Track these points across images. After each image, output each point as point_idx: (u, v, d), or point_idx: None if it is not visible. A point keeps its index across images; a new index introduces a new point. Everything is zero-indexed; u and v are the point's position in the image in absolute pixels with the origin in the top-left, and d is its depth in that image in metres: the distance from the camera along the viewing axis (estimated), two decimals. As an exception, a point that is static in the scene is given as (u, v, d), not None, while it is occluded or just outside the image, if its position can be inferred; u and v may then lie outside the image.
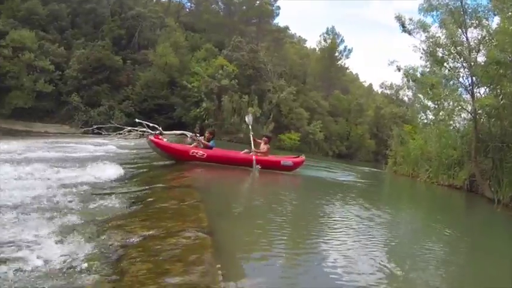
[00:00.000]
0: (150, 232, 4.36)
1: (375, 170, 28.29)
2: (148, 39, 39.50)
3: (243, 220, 5.74)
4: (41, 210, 6.00)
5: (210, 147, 10.08)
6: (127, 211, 5.84)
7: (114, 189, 7.81)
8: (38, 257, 4.05)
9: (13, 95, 33.95)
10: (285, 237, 4.96)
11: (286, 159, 11.13)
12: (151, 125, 32.08)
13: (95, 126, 32.65)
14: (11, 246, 4.48)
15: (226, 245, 4.29)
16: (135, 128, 32.36)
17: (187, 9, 51.78)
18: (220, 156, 10.06)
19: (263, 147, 10.88)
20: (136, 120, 31.79)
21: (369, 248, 4.87)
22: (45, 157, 13.77)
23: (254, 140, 10.92)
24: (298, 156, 11.62)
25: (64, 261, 3.97)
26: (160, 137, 11.05)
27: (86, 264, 3.78)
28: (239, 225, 5.37)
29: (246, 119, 12.86)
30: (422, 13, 15.94)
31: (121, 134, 31.20)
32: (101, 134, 31.66)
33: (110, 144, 20.72)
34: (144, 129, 32.31)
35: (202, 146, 10.08)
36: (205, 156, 9.73)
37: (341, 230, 5.69)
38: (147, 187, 7.48)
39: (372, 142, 47.83)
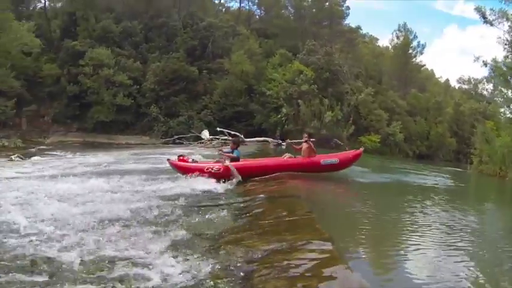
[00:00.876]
0: (272, 246, 4.36)
1: (459, 170, 28.06)
2: (222, 48, 41.54)
3: (357, 229, 5.83)
4: (144, 224, 6.27)
5: (236, 158, 10.11)
6: (237, 224, 5.94)
7: (214, 200, 8.06)
8: (157, 274, 4.02)
9: (94, 109, 37.22)
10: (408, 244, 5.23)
11: (329, 158, 10.60)
12: (232, 133, 33.22)
13: (176, 136, 34.81)
14: (125, 262, 4.54)
15: (355, 257, 4.37)
16: (217, 137, 33.69)
17: (258, 16, 54.52)
18: (240, 168, 9.83)
19: (306, 144, 10.46)
20: (218, 129, 33.56)
21: (458, 256, 4.99)
22: (133, 169, 15.00)
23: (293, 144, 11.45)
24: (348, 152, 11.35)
25: (187, 279, 3.90)
26: (186, 158, 11.12)
27: (211, 282, 3.72)
28: (356, 235, 5.49)
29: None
30: (503, 2, 15.42)
31: (202, 143, 32.63)
32: (182, 143, 33.46)
33: (194, 154, 21.17)
34: (226, 137, 33.44)
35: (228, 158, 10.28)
36: (221, 170, 9.72)
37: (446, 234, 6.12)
38: (248, 198, 7.69)
39: (452, 141, 48.35)
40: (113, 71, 36.78)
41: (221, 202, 7.84)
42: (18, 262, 4.79)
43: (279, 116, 38.21)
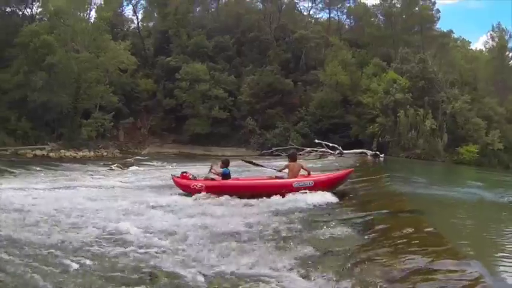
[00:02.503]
0: (408, 265, 4.80)
1: None
2: (315, 60, 47.61)
3: (492, 247, 6.20)
4: (264, 239, 7.18)
5: (226, 175, 11.96)
6: (364, 241, 6.60)
7: (331, 215, 8.96)
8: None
9: (190, 122, 44.20)
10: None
11: (305, 179, 11.44)
12: (331, 145, 37.69)
13: (274, 149, 40.49)
14: (252, 280, 5.13)
15: (501, 279, 4.58)
16: (315, 149, 38.60)
17: (347, 26, 60.24)
18: (219, 186, 11.74)
19: (290, 165, 11.89)
20: (316, 140, 38.51)
21: None
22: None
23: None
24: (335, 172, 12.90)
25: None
26: (187, 174, 12.89)
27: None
28: (493, 253, 5.77)
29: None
30: None
31: (300, 154, 38.09)
32: (280, 155, 38.21)
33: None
34: (324, 149, 37.39)
35: (216, 175, 12.22)
36: (203, 187, 11.69)
37: None
38: (367, 213, 8.56)
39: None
40: (209, 85, 43.72)
41: (338, 217, 8.68)
42: (136, 275, 5.54)
43: (375, 127, 41.99)
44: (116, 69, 44.25)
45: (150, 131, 47.00)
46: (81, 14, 46.38)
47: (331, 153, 36.79)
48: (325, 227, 7.62)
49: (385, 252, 5.58)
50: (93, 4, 46.79)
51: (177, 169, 26.35)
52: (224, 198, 11.26)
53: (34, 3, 51.12)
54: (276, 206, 10.05)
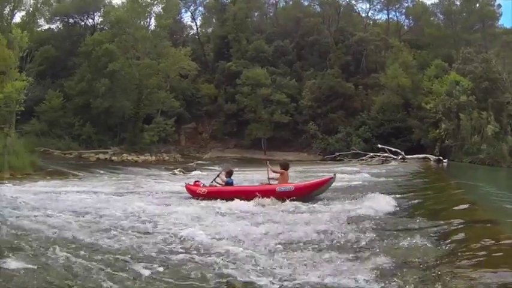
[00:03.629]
0: (495, 280, 4.98)
1: None
2: (375, 63, 51.29)
3: None
4: (339, 248, 7.74)
5: (229, 183, 14.88)
6: (442, 251, 6.96)
7: (403, 224, 9.62)
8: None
9: (252, 127, 48.24)
10: None
11: (287, 185, 13.63)
12: (393, 149, 40.05)
13: (337, 154, 44.10)
14: None
15: None
16: (377, 154, 41.60)
17: (406, 27, 63.82)
18: (218, 192, 14.43)
19: (280, 172, 14.31)
20: (379, 145, 42.00)
21: None
22: None
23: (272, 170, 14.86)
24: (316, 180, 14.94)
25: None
26: (199, 182, 15.61)
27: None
28: None
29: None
30: None
31: (363, 160, 40.95)
32: (342, 160, 42.11)
33: (362, 172, 26.03)
34: (386, 154, 40.34)
35: (222, 182, 15.15)
36: (206, 192, 14.40)
37: None
38: (440, 222, 9.11)
39: None
40: (270, 90, 47.75)
41: (410, 226, 9.25)
42: (212, 283, 6.03)
43: (438, 131, 43.63)
44: (177, 74, 48.98)
45: (212, 136, 51.73)
46: (141, 22, 51.11)
47: (394, 159, 39.23)
48: (398, 237, 8.16)
49: (467, 265, 5.81)
50: (152, 12, 51.28)
51: (239, 175, 28.07)
52: (290, 204, 12.48)
53: (95, 13, 58.23)
54: (344, 214, 10.88)
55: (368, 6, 62.20)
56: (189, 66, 48.46)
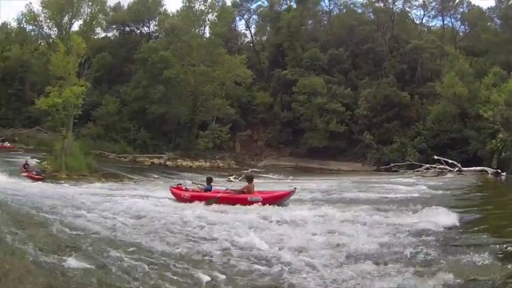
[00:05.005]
0: None
1: None
2: (431, 71, 52.99)
3: None
4: (400, 263, 8.10)
5: (207, 190, 18.04)
6: (508, 271, 7.05)
7: (466, 239, 9.91)
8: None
9: (308, 135, 50.60)
10: None
11: (257, 195, 16.84)
12: (449, 161, 41.22)
13: (393, 164, 45.14)
14: None
15: None
16: (433, 166, 42.57)
17: (462, 33, 64.43)
18: (199, 196, 17.48)
19: (246, 186, 17.52)
20: (435, 157, 42.05)
21: None
22: (361, 198, 18.91)
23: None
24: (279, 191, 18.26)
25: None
26: (181, 186, 19.46)
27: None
28: None
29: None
30: None
31: (418, 171, 41.60)
32: (397, 171, 43.03)
33: (419, 184, 26.53)
34: (442, 166, 41.35)
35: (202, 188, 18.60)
36: (189, 196, 17.54)
37: None
38: (505, 239, 9.27)
39: None
40: (326, 99, 50.07)
41: (473, 241, 9.55)
42: None
43: (496, 142, 43.22)
44: (232, 82, 52.04)
45: (267, 144, 54.66)
46: (196, 30, 54.58)
47: (450, 171, 39.81)
48: (462, 253, 8.36)
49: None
50: (207, 20, 54.49)
51: (294, 183, 28.80)
52: (350, 214, 13.56)
53: (151, 21, 62.59)
54: (404, 226, 11.38)
55: (422, 12, 63.18)
56: (245, 73, 51.42)
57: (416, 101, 51.14)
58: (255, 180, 29.81)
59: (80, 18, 59.96)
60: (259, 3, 68.50)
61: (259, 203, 16.12)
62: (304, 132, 51.08)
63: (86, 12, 59.66)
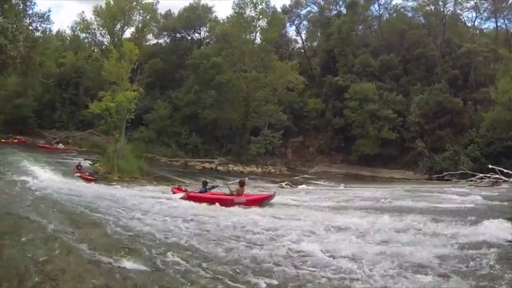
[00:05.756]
0: None
1: None
2: (484, 76, 53.25)
3: None
4: (459, 275, 8.27)
5: (202, 191, 20.92)
6: None
7: None
8: None
9: (359, 142, 51.74)
10: None
11: (242, 198, 19.50)
12: (505, 171, 40.88)
13: (445, 173, 44.94)
14: None
15: None
16: (487, 175, 41.32)
17: None
18: (194, 197, 20.29)
19: (237, 188, 20.38)
20: (490, 166, 41.37)
21: None
22: (414, 207, 19.00)
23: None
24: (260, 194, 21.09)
25: None
26: (183, 188, 22.34)
27: None
28: None
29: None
30: None
31: (472, 180, 40.98)
32: (450, 180, 42.64)
33: (473, 194, 25.80)
34: (497, 175, 41.45)
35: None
36: (186, 196, 20.42)
37: None
38: None
39: None
40: (378, 105, 51.14)
41: None
42: None
43: None
44: (284, 88, 53.85)
45: (318, 150, 56.21)
46: (247, 36, 56.46)
47: (505, 181, 38.35)
48: None
49: None
50: (258, 27, 56.23)
51: (346, 190, 30.70)
52: (404, 223, 13.88)
53: (201, 28, 65.62)
54: (462, 238, 11.36)
55: (474, 14, 63.12)
56: (296, 79, 53.22)
57: (470, 107, 51.26)
58: (305, 186, 33.71)
59: (132, 26, 63.78)
60: (309, 9, 70.33)
61: (243, 205, 18.75)
62: (356, 139, 52.07)
63: (138, 19, 63.19)
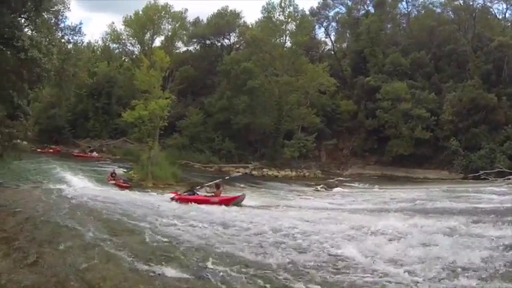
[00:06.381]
0: None
1: None
2: None
3: None
4: (505, 279, 8.35)
5: (192, 194, 24.27)
6: None
7: None
8: None
9: (392, 143, 52.55)
10: None
11: (217, 198, 23.14)
12: None
13: (481, 172, 45.56)
14: None
15: None
16: None
17: None
18: (183, 198, 23.50)
19: (214, 191, 24.15)
20: None
21: None
22: (452, 208, 19.30)
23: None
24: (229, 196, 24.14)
25: None
26: (179, 193, 25.00)
27: None
28: None
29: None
30: None
31: (509, 179, 41.53)
32: (487, 179, 43.38)
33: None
34: None
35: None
36: (177, 198, 23.55)
37: None
38: None
39: None
40: (410, 104, 51.83)
41: None
42: None
43: None
44: (316, 91, 55.26)
45: (352, 152, 57.43)
46: (277, 40, 57.98)
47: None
48: None
49: None
50: (287, 30, 57.72)
51: (381, 192, 31.73)
52: (445, 225, 14.10)
53: (231, 34, 67.78)
54: (506, 239, 11.45)
55: (504, 6, 63.01)
56: (328, 82, 54.35)
57: (504, 102, 51.23)
58: (340, 189, 35.53)
59: (162, 34, 65.98)
60: (336, 10, 71.54)
61: (217, 204, 22.24)
62: (389, 140, 52.71)
63: (167, 28, 65.34)
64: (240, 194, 24.54)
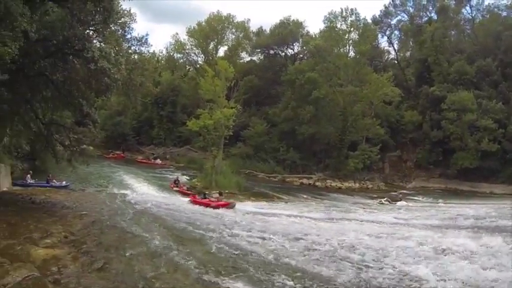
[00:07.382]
0: None
1: None
2: None
3: None
4: None
5: (203, 198, 30.46)
6: None
7: None
8: None
9: (458, 155, 52.81)
10: None
11: (214, 203, 28.64)
12: None
13: None
14: None
15: None
16: None
17: None
18: (195, 201, 30.00)
19: (215, 195, 30.33)
20: None
21: None
22: None
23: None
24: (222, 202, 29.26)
25: None
26: (196, 196, 31.00)
27: None
28: None
29: None
30: None
31: None
32: None
33: None
34: None
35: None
36: (192, 200, 30.61)
37: None
38: None
39: None
40: (476, 115, 52.22)
41: None
42: None
43: None
44: (381, 101, 56.78)
45: (416, 164, 58.19)
46: (340, 50, 59.89)
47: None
48: None
49: None
50: (349, 39, 59.41)
51: (446, 208, 32.32)
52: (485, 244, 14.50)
53: (294, 44, 70.13)
54: None
55: None
56: (392, 92, 55.66)
57: None
58: (404, 203, 36.69)
59: (225, 44, 69.05)
60: (399, 17, 72.07)
61: (213, 207, 27.71)
62: (454, 152, 52.45)
63: (231, 38, 68.49)
64: (231, 200, 30.01)
